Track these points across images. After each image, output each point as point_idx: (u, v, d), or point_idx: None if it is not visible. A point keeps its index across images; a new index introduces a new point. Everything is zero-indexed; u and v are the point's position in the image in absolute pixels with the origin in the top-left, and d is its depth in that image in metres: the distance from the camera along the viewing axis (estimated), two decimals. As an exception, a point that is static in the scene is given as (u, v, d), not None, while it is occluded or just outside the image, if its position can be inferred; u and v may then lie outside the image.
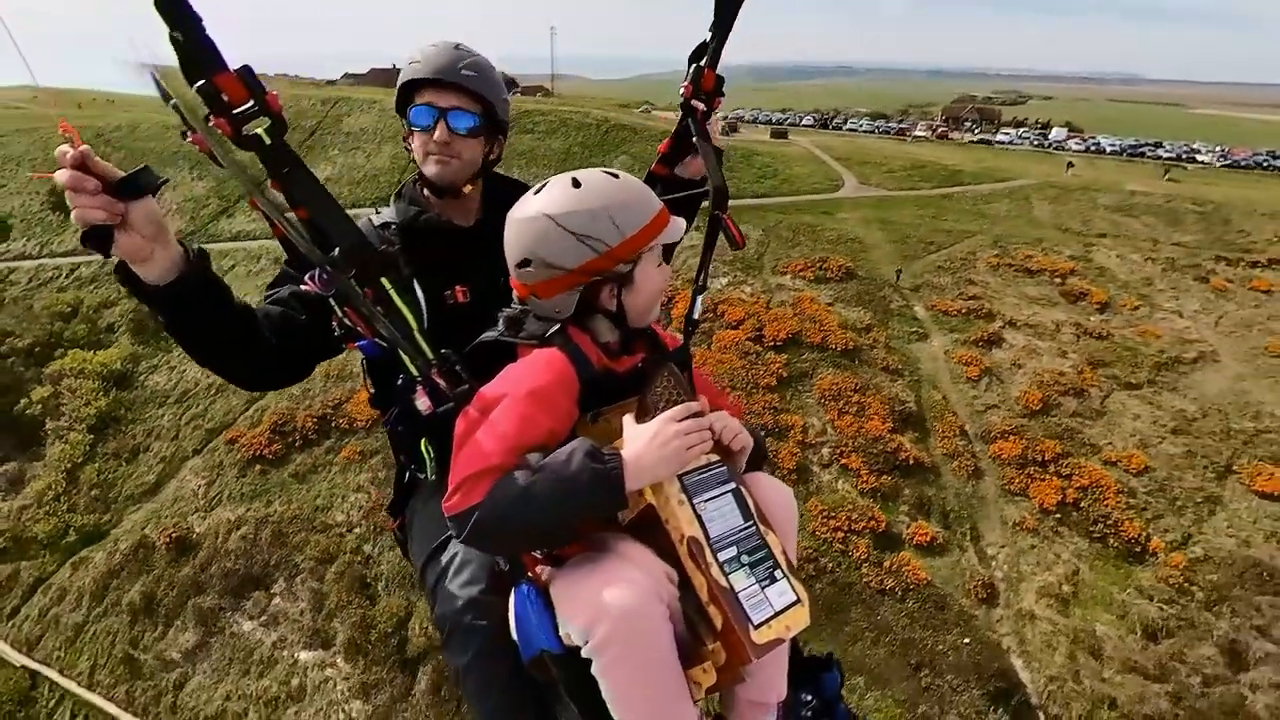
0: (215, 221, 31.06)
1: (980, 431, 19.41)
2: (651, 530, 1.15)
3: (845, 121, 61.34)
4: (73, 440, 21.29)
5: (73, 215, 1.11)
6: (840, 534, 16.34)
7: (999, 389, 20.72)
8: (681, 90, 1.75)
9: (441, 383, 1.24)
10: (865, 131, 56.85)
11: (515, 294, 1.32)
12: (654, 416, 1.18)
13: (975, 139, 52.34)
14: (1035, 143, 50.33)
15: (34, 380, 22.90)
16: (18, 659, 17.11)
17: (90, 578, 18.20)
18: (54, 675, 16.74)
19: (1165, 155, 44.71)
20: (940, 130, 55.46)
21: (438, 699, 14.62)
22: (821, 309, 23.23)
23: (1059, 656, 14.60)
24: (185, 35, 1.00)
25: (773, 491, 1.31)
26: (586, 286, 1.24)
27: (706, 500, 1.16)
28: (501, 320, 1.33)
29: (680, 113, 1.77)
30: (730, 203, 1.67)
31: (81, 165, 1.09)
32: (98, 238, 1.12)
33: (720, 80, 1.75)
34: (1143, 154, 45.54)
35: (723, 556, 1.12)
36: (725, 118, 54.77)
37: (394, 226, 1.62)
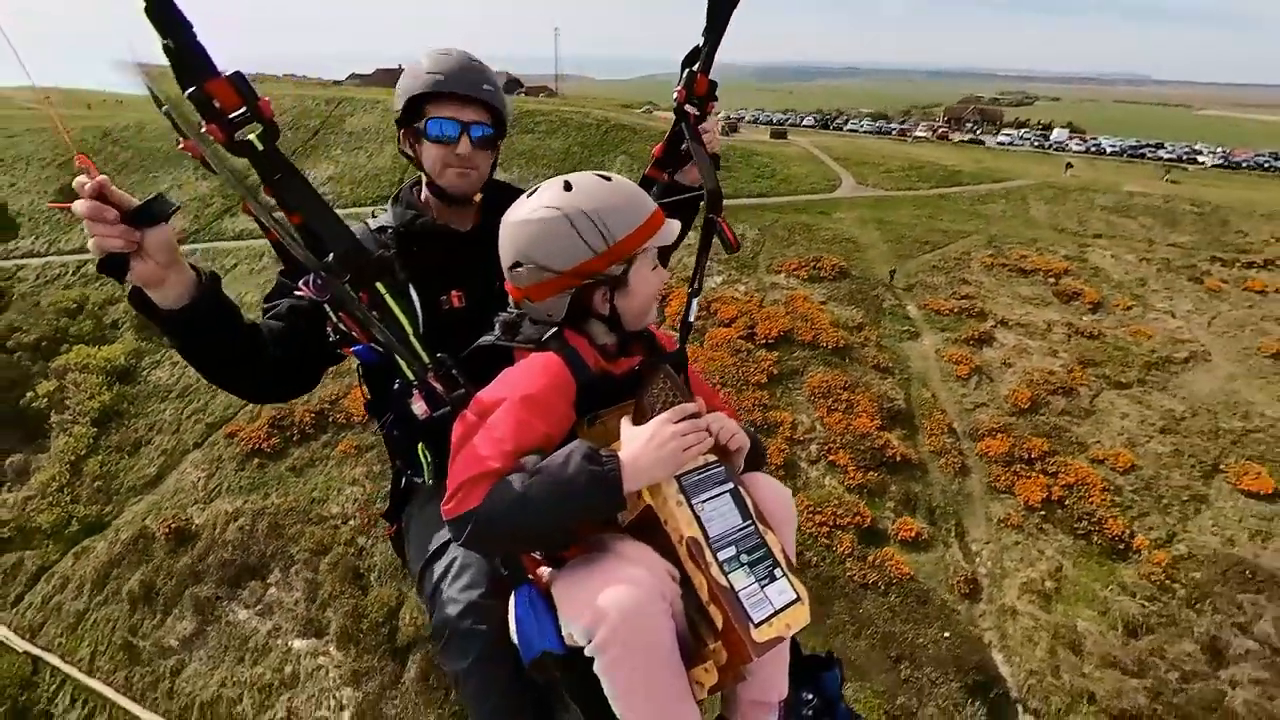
0: (219, 220, 31.53)
1: (968, 429, 19.56)
2: (651, 531, 1.15)
3: (846, 122, 61.37)
4: (76, 433, 21.75)
5: (90, 244, 1.13)
6: (825, 529, 16.53)
7: (988, 387, 20.85)
8: (675, 95, 1.77)
9: (438, 387, 1.24)
10: (866, 132, 56.90)
11: (510, 298, 1.33)
12: (651, 418, 1.18)
13: (966, 139, 52.32)
14: (1036, 144, 50.25)
15: (40, 374, 23.39)
16: (20, 645, 17.55)
17: (91, 567, 18.62)
18: (55, 661, 17.16)
19: (1166, 156, 44.55)
20: (941, 131, 55.45)
21: (426, 686, 14.92)
22: (814, 307, 23.42)
23: (1039, 651, 14.75)
24: (176, 42, 1.00)
25: (770, 491, 1.31)
26: (579, 289, 1.25)
27: (705, 500, 1.16)
28: (498, 325, 1.33)
29: (674, 117, 1.79)
30: (727, 202, 1.71)
31: (100, 195, 1.11)
32: (114, 265, 1.14)
33: (713, 85, 1.76)
34: (1143, 155, 45.39)
35: (722, 556, 1.12)
36: (727, 117, 54.94)
37: (390, 231, 1.62)
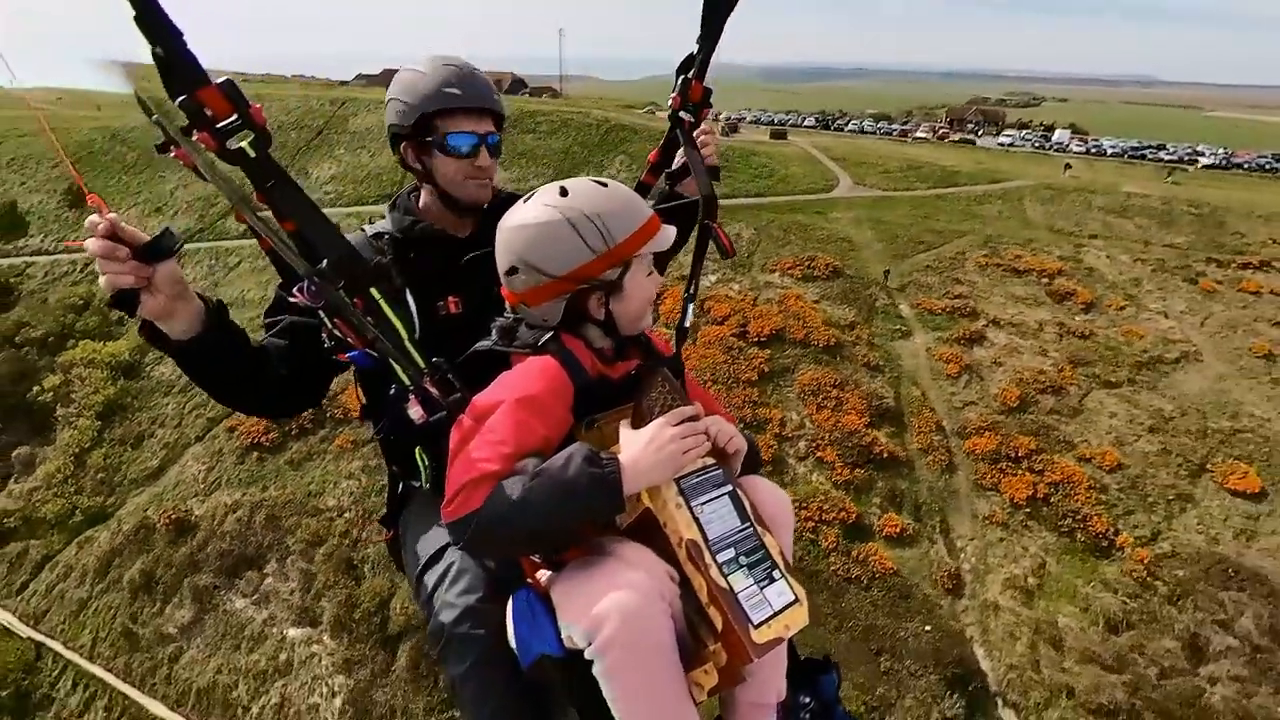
0: (224, 220, 32.07)
1: (957, 427, 19.71)
2: (650, 534, 1.15)
3: (847, 123, 61.45)
4: (81, 426, 22.23)
5: (101, 282, 1.15)
6: (810, 524, 16.74)
7: (978, 386, 20.98)
8: (669, 101, 1.78)
9: (434, 392, 1.25)
10: (867, 133, 56.98)
11: (506, 303, 1.34)
12: (649, 422, 1.19)
13: (956, 139, 52.32)
14: (1037, 145, 50.18)
15: (47, 369, 23.90)
16: (24, 631, 18.02)
17: (94, 556, 19.08)
18: (58, 647, 17.61)
19: (1167, 158, 44.41)
20: (942, 132, 55.48)
21: (416, 675, 15.24)
22: (807, 306, 23.61)
23: (1020, 646, 14.91)
24: (166, 50, 1.00)
25: (768, 493, 1.32)
26: (574, 294, 1.25)
27: (704, 503, 1.17)
28: (495, 329, 1.34)
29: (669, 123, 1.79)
30: (725, 202, 1.85)
31: (112, 234, 1.13)
32: (125, 301, 1.16)
33: (708, 92, 1.77)
34: (1144, 156, 45.26)
35: (721, 558, 1.12)
36: (728, 118, 55.11)
37: (387, 237, 1.62)
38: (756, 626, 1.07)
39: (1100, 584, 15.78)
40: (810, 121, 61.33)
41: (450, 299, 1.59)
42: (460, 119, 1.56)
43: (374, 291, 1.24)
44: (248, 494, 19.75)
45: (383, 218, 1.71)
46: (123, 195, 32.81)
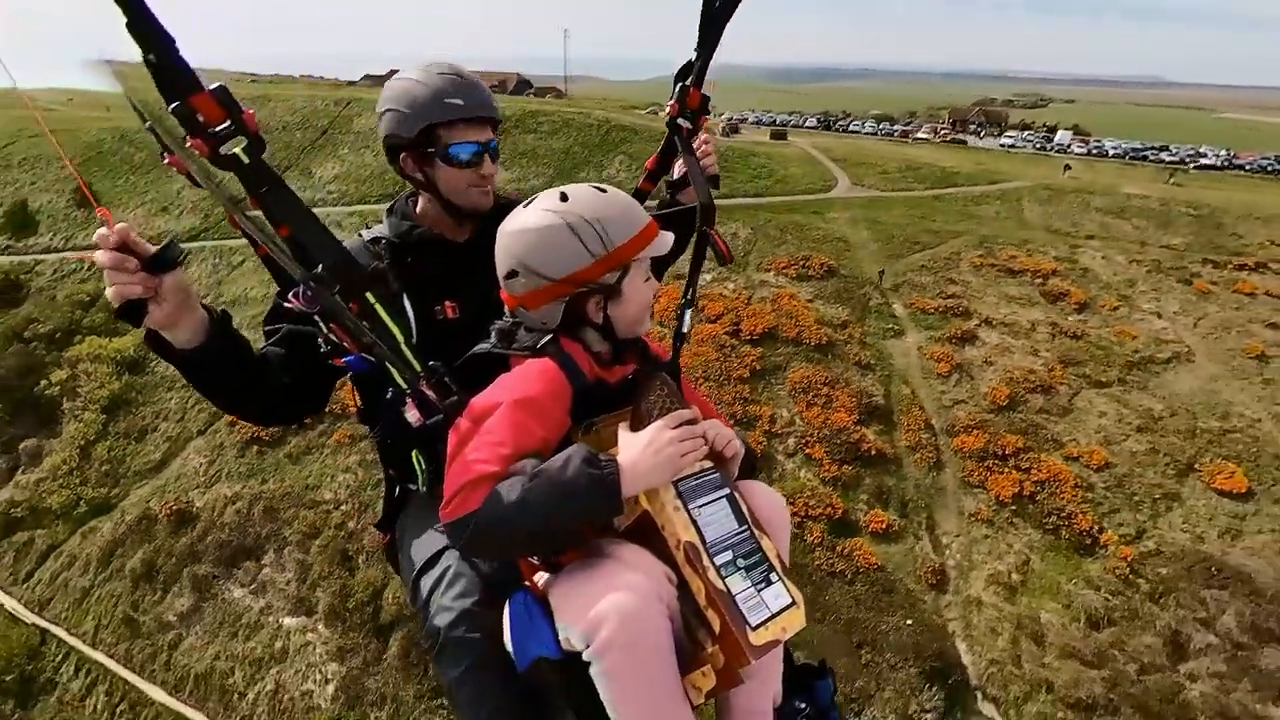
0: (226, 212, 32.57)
1: (945, 425, 19.87)
2: (647, 536, 1.16)
3: (849, 123, 61.53)
4: (87, 419, 22.73)
5: (109, 293, 1.15)
6: (796, 519, 16.94)
7: (968, 385, 21.12)
8: (668, 108, 1.80)
9: (431, 395, 1.25)
10: (868, 133, 57.03)
11: (506, 307, 1.35)
12: (648, 425, 1.20)
13: (947, 139, 52.30)
14: (1038, 146, 50.08)
15: (54, 364, 24.42)
16: (29, 618, 18.50)
17: (97, 546, 19.54)
18: (61, 634, 18.08)
19: (1169, 159, 44.27)
20: (944, 133, 55.54)
21: (406, 663, 15.57)
22: (800, 305, 23.80)
23: (1002, 641, 15.07)
24: (159, 57, 1.01)
25: (765, 497, 1.33)
26: (573, 298, 1.26)
27: (702, 505, 1.18)
28: (494, 333, 1.34)
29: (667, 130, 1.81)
30: (723, 202, 1.84)
31: (122, 245, 1.13)
32: (132, 311, 1.16)
33: (705, 99, 1.78)
34: (1145, 157, 45.11)
35: (719, 560, 1.13)
36: (730, 119, 55.30)
37: (384, 241, 1.63)
38: (754, 628, 1.08)
39: (1083, 581, 15.92)
40: (812, 122, 61.42)
41: (448, 304, 1.59)
42: (462, 128, 1.56)
43: (370, 296, 1.25)
44: (247, 486, 20.17)
45: (379, 222, 1.72)
46: (130, 195, 33.38)
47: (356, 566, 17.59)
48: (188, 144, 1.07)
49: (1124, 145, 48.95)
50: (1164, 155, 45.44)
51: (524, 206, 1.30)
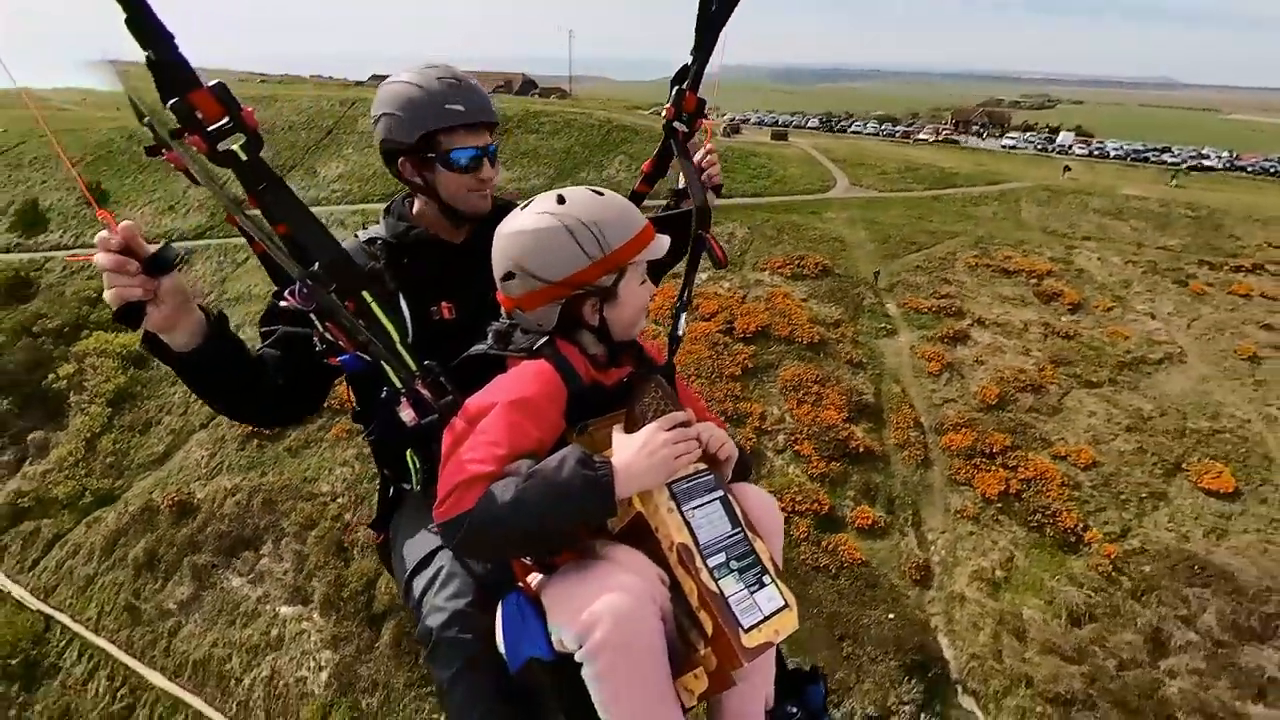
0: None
1: (935, 424, 20.02)
2: (641, 538, 1.16)
3: (851, 124, 61.60)
4: (93, 412, 23.25)
5: (108, 296, 1.14)
6: (783, 514, 16.98)
7: (958, 384, 21.27)
8: (663, 112, 1.81)
9: (426, 394, 1.25)
10: (869, 134, 57.10)
11: (502, 309, 1.35)
12: (642, 427, 1.21)
13: (940, 139, 52.28)
14: (1039, 147, 49.99)
15: (61, 358, 24.98)
16: (35, 604, 19.00)
17: (101, 535, 20.02)
18: (65, 620, 18.56)
19: (1171, 160, 44.14)
20: (946, 134, 55.56)
21: (398, 651, 15.92)
22: (794, 304, 24.01)
23: (983, 636, 15.24)
24: (158, 54, 1.01)
25: (758, 500, 1.33)
26: (569, 300, 1.26)
27: (695, 508, 1.18)
28: (490, 334, 1.35)
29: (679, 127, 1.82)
30: (721, 202, 1.77)
31: (125, 248, 1.13)
32: (130, 314, 1.15)
33: (701, 103, 1.79)
34: (1147, 159, 44.99)
35: (712, 562, 1.13)
36: (731, 119, 55.49)
37: (380, 242, 1.63)
38: (747, 631, 1.08)
39: (1066, 578, 16.05)
40: (813, 123, 61.52)
41: (444, 304, 1.59)
42: (462, 134, 1.57)
43: (366, 295, 1.26)
44: (247, 478, 20.60)
45: (376, 222, 1.73)
46: (138, 193, 33.98)
47: (351, 557, 17.96)
48: (186, 140, 1.07)
49: (1126, 146, 48.77)
50: (1166, 157, 45.28)
51: (521, 209, 1.31)
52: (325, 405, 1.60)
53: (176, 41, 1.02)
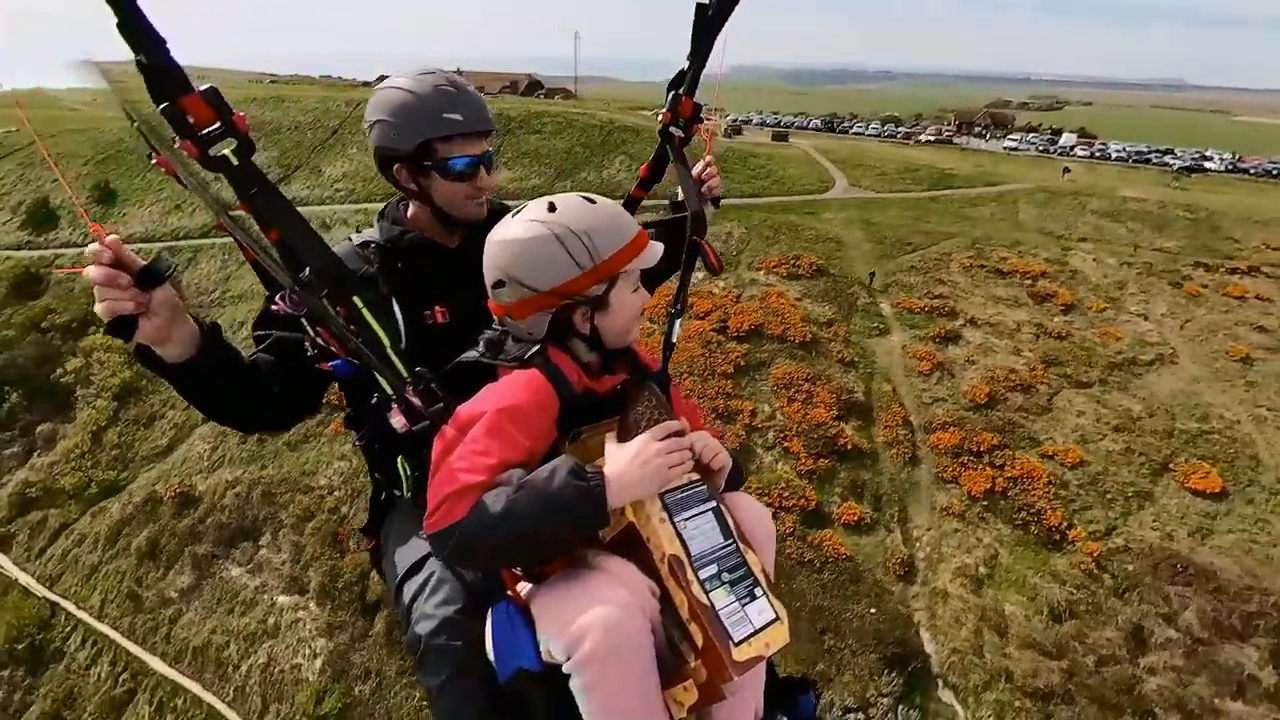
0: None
1: (924, 422, 20.20)
2: (632, 548, 1.16)
3: (853, 125, 61.70)
4: (99, 406, 23.83)
5: (99, 309, 1.13)
6: (769, 510, 17.38)
7: (949, 383, 21.43)
8: (659, 117, 1.80)
9: (416, 401, 1.24)
10: (871, 135, 57.17)
11: (494, 316, 1.34)
12: (635, 436, 1.20)
13: (940, 140, 52.28)
14: (1041, 148, 49.92)
15: (69, 353, 25.59)
16: (41, 591, 19.55)
17: (106, 525, 20.55)
18: (70, 607, 19.09)
19: (1173, 162, 44.01)
20: (948, 135, 55.57)
21: (390, 640, 16.31)
22: (788, 303, 24.23)
23: (965, 631, 15.44)
24: (150, 58, 1.00)
25: (751, 511, 1.32)
26: (559, 309, 1.25)
27: (687, 519, 1.17)
28: (482, 342, 1.33)
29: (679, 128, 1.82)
30: (720, 202, 1.80)
31: (115, 261, 1.12)
32: (122, 327, 1.15)
33: (698, 108, 1.78)
34: (1149, 161, 44.86)
35: (703, 574, 1.12)
36: (733, 120, 55.70)
37: (374, 245, 1.61)
38: (737, 644, 1.08)
39: (1049, 575, 16.22)
40: (815, 123, 61.64)
41: (438, 308, 1.58)
42: (459, 142, 1.55)
43: (357, 300, 1.26)
44: (247, 471, 21.07)
45: (370, 225, 1.72)
46: (145, 192, 34.60)
47: (347, 549, 18.36)
48: (176, 145, 1.07)
49: (1128, 148, 48.63)
50: (1168, 159, 45.14)
51: (512, 216, 1.29)
52: (325, 401, 1.64)
53: (168, 46, 1.02)
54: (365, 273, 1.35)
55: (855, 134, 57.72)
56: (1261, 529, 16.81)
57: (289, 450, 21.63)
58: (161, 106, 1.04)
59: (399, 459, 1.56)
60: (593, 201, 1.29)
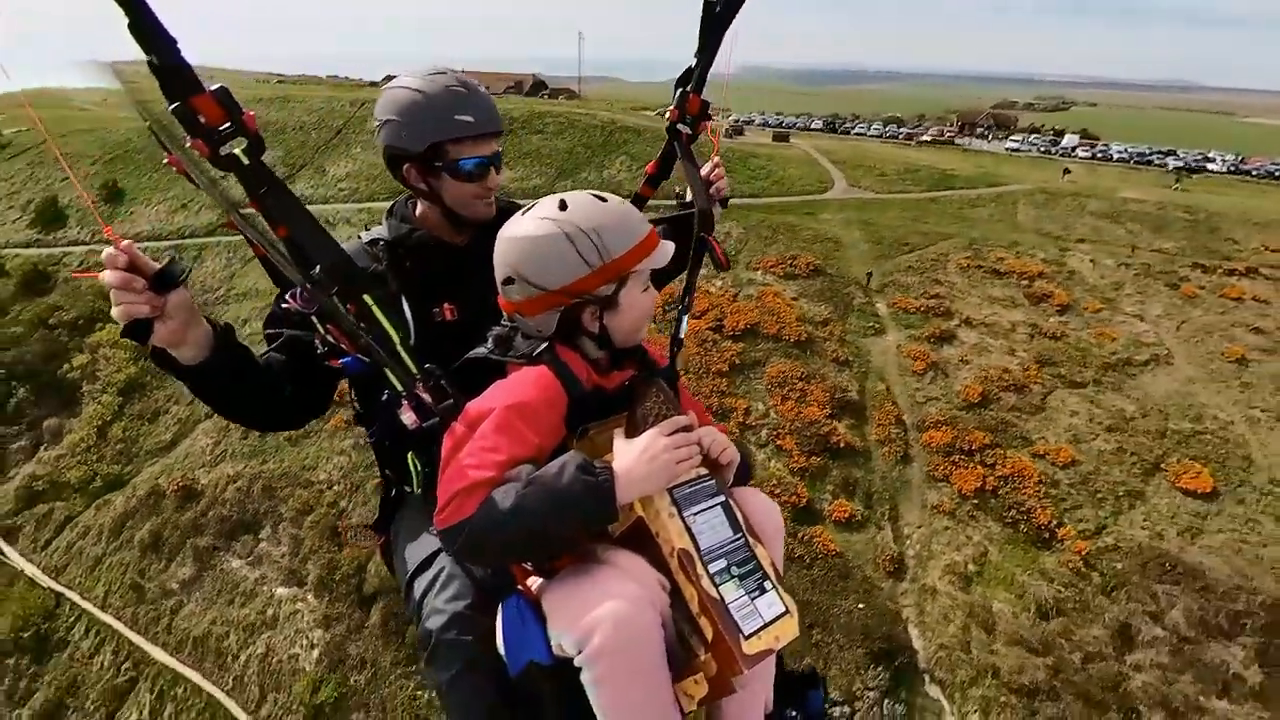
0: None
1: (916, 421, 20.33)
2: (642, 543, 1.16)
3: (856, 125, 61.75)
4: (104, 401, 24.23)
5: (115, 312, 1.15)
6: (762, 507, 17.59)
7: (942, 383, 21.55)
8: (667, 114, 1.81)
9: (427, 398, 1.25)
10: (873, 135, 57.19)
11: (503, 312, 1.33)
12: (643, 432, 1.20)
13: (933, 141, 52.27)
14: (1043, 149, 49.85)
15: (76, 349, 26.02)
16: (46, 582, 19.95)
17: (110, 518, 20.93)
18: (75, 597, 19.47)
19: (1175, 164, 43.90)
20: (949, 136, 55.56)
21: (385, 631, 16.58)
22: (784, 303, 24.39)
23: (953, 628, 15.57)
24: (161, 58, 1.01)
25: (759, 505, 1.33)
26: (568, 307, 1.25)
27: (696, 513, 1.17)
28: (490, 338, 1.34)
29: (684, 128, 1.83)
30: (728, 202, 1.83)
31: (130, 266, 1.14)
32: (138, 330, 1.16)
33: (705, 105, 1.79)
34: (1151, 162, 44.75)
35: (713, 568, 1.13)
36: (736, 120, 55.83)
37: (382, 243, 1.62)
38: (747, 637, 1.08)
39: (1038, 573, 16.34)
40: (817, 124, 61.73)
41: (446, 305, 1.59)
42: (470, 144, 1.56)
43: (367, 298, 1.26)
44: (249, 466, 21.40)
45: (379, 223, 1.73)
46: (153, 191, 35.06)
47: (344, 542, 18.66)
48: (188, 144, 1.08)
49: (1129, 149, 48.51)
50: (1169, 160, 45.01)
51: (523, 213, 1.29)
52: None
53: (179, 46, 1.03)
54: (374, 270, 1.37)
55: (857, 135, 57.76)
56: (1252, 529, 16.87)
57: (289, 445, 21.94)
58: (173, 106, 1.05)
59: (409, 455, 1.57)
60: (604, 200, 1.28)
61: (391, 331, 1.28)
